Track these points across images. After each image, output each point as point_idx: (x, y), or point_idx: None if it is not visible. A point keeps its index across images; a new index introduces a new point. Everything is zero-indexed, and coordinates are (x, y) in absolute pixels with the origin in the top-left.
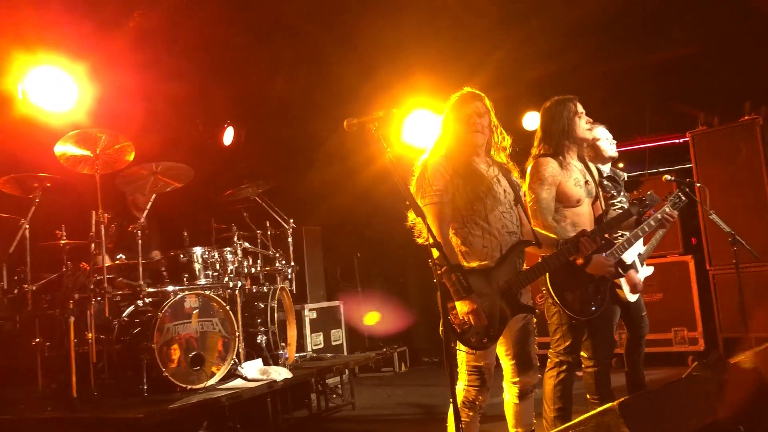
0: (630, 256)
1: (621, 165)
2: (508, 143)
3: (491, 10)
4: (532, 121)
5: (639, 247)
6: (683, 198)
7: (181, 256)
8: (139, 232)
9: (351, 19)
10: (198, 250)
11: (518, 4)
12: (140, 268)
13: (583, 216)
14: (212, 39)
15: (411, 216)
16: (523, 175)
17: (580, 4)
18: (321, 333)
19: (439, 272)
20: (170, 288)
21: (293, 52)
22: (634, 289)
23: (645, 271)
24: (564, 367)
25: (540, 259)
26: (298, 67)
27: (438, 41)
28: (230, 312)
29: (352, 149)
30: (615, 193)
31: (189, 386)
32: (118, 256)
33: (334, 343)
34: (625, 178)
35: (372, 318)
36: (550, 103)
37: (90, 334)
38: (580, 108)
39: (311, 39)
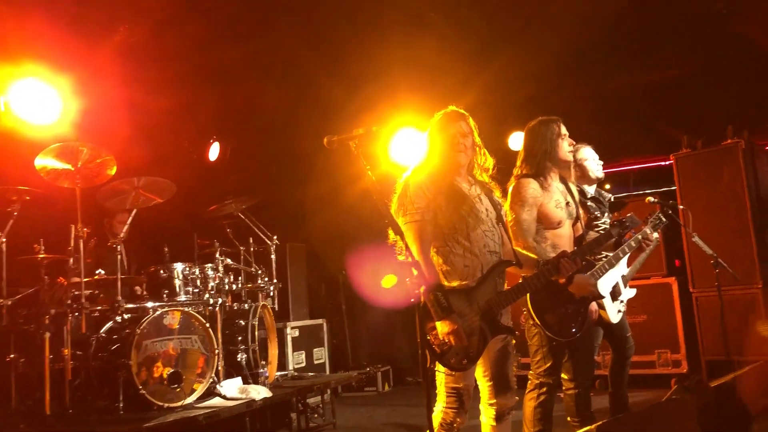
0: (612, 277)
1: (607, 186)
2: (490, 164)
3: (479, 30)
4: (517, 141)
5: (623, 268)
6: (663, 219)
7: (162, 271)
8: (119, 247)
9: (338, 37)
10: (179, 266)
11: (505, 25)
12: (119, 284)
13: (564, 237)
14: (199, 53)
15: (391, 234)
16: (505, 194)
17: (567, 26)
18: (303, 351)
19: (417, 292)
20: (149, 304)
21: (280, 68)
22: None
23: (628, 293)
24: (544, 388)
25: (521, 280)
26: (285, 84)
27: (424, 60)
28: (210, 329)
29: (338, 166)
30: (599, 215)
31: (166, 404)
32: (97, 271)
33: (316, 362)
34: (611, 200)
35: (389, 281)
36: (533, 124)
37: (66, 350)
38: (563, 130)
39: (298, 55)
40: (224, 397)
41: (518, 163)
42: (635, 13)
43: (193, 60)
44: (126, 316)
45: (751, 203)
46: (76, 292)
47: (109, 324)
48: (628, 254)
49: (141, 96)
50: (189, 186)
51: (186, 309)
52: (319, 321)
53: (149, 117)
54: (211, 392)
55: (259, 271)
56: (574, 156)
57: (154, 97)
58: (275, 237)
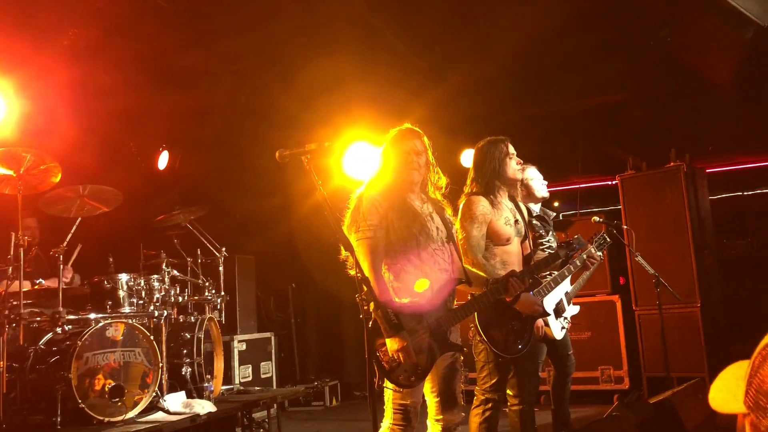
0: (557, 295)
1: (556, 204)
2: (443, 183)
3: (431, 47)
4: (468, 158)
5: (566, 286)
6: (608, 239)
7: (105, 282)
8: (61, 256)
9: (290, 49)
10: (123, 277)
11: (456, 43)
12: (60, 294)
13: (513, 254)
14: (150, 60)
15: (343, 250)
16: (456, 212)
17: (517, 47)
18: (250, 365)
19: (365, 308)
20: (92, 315)
21: (233, 78)
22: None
23: (572, 310)
24: (490, 404)
25: (470, 297)
26: (238, 94)
27: (377, 75)
28: (154, 342)
29: (290, 179)
30: (544, 233)
31: (107, 419)
32: (37, 281)
33: (263, 376)
34: (560, 217)
35: (421, 285)
36: (482, 144)
37: (1, 362)
38: (511, 149)
39: (251, 66)
40: (167, 412)
41: (468, 181)
42: (584, 37)
43: (144, 66)
44: (67, 328)
45: (692, 224)
46: (14, 302)
47: (49, 335)
48: (573, 272)
49: (89, 101)
50: (136, 195)
51: (130, 321)
52: (267, 334)
53: (97, 123)
54: (153, 406)
55: (207, 283)
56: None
57: (103, 102)
58: (224, 249)
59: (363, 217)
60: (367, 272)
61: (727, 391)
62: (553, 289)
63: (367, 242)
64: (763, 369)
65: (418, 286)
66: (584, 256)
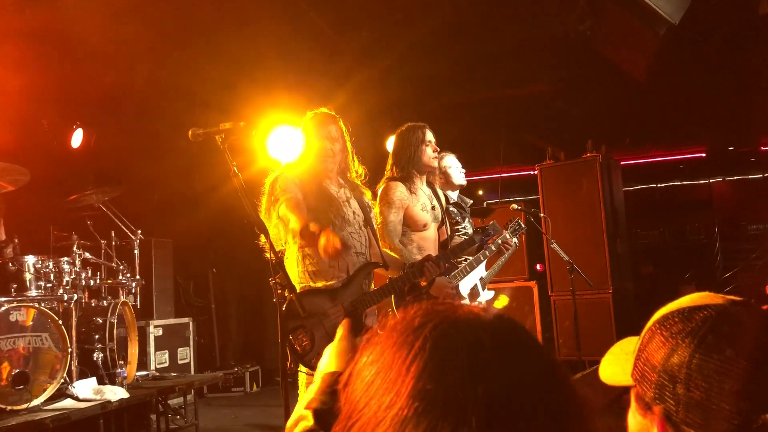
0: (472, 280)
1: (480, 192)
2: (360, 168)
3: (356, 30)
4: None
5: (481, 271)
6: (523, 226)
7: (10, 264)
8: None
9: (211, 27)
10: (30, 259)
11: (383, 28)
12: None
13: (429, 240)
14: (64, 32)
15: (263, 238)
16: (375, 197)
17: (442, 37)
18: (167, 351)
19: (279, 291)
20: None
21: (151, 55)
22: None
23: (486, 295)
24: None
25: (387, 281)
26: (157, 71)
27: (301, 58)
28: (63, 327)
29: (212, 162)
30: (460, 219)
31: (9, 407)
32: None
33: (180, 362)
34: (484, 205)
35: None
36: (402, 129)
37: None
38: (428, 136)
39: (170, 42)
40: (77, 399)
41: (388, 165)
42: (509, 28)
43: (58, 39)
44: None
45: (606, 214)
46: None
47: None
48: (488, 258)
49: None
50: (47, 174)
51: (37, 305)
52: (185, 320)
53: (6, 98)
54: (62, 393)
55: (121, 267)
56: (438, 163)
57: (12, 76)
58: (140, 231)
59: (281, 190)
60: (294, 225)
61: (616, 365)
62: (468, 273)
63: (290, 200)
64: (651, 344)
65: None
66: (499, 242)
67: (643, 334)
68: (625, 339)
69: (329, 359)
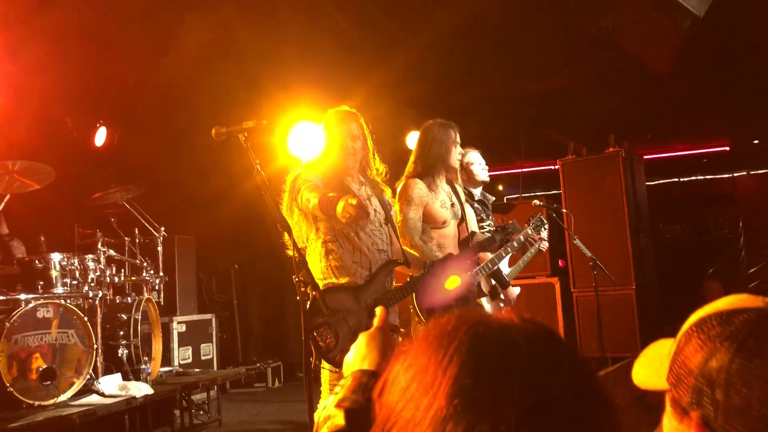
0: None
1: (500, 187)
2: (381, 166)
3: (376, 28)
4: (414, 138)
5: (504, 268)
6: (545, 222)
7: (37, 262)
8: None
9: (233, 27)
10: (56, 257)
11: (402, 24)
12: None
13: (449, 237)
14: (88, 30)
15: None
16: (395, 194)
17: (463, 30)
18: (190, 347)
19: (303, 289)
20: (22, 296)
21: (175, 54)
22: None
23: (512, 292)
24: None
25: (408, 279)
26: (180, 70)
27: (321, 54)
28: (88, 323)
29: (234, 159)
30: (484, 217)
31: (37, 402)
32: None
33: (203, 358)
34: (504, 201)
35: (453, 282)
36: (430, 125)
37: None
38: (458, 137)
39: (193, 41)
40: (102, 395)
41: (411, 158)
42: (529, 22)
43: (82, 37)
44: None
45: (629, 209)
46: None
47: None
48: (510, 254)
49: (22, 72)
50: (71, 172)
51: (63, 302)
52: (208, 316)
53: (31, 96)
54: (88, 389)
55: (145, 264)
56: (461, 160)
57: (36, 75)
58: (163, 228)
59: (303, 182)
60: (314, 201)
61: (650, 368)
62: (489, 270)
63: (311, 185)
64: (688, 347)
65: (450, 283)
66: (521, 238)
67: (678, 336)
68: (659, 341)
69: (361, 349)
